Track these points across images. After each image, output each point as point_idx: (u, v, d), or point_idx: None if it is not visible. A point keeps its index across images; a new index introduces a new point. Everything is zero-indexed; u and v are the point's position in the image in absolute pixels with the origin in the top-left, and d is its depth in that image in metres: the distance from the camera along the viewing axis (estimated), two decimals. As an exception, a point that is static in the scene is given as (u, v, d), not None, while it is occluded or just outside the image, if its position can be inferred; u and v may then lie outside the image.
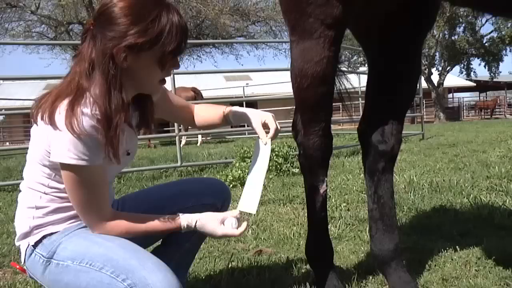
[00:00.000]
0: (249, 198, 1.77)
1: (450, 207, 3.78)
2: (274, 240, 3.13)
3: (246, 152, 6.27)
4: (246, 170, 5.48)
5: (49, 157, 1.55)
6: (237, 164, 5.81)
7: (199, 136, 13.68)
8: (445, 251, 2.66)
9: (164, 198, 1.95)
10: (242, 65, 28.61)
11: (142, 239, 1.74)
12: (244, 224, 1.74)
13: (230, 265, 2.63)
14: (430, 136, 11.81)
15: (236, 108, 1.94)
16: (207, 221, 1.72)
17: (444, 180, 4.90)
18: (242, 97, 17.05)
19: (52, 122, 1.49)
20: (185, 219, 1.71)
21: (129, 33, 1.49)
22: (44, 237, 1.64)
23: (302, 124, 2.06)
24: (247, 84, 22.18)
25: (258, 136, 1.85)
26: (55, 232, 1.64)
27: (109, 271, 1.52)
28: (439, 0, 2.09)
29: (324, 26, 1.84)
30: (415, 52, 2.12)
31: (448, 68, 32.80)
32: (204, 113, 2.02)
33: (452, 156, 7.12)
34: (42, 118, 1.52)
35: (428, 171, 5.74)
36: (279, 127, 1.82)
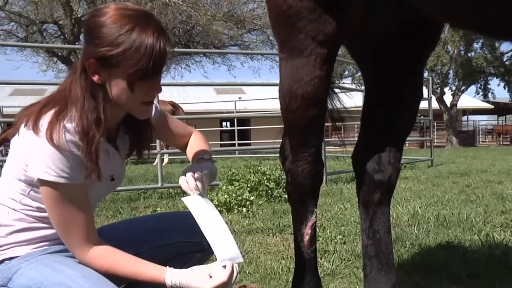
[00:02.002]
0: (225, 247, 1.73)
1: (458, 245, 3.79)
2: (260, 274, 3.14)
3: (234, 174, 6.28)
4: (234, 195, 5.50)
5: (26, 171, 1.59)
6: (224, 188, 5.81)
7: (165, 155, 13.50)
8: (451, 294, 2.66)
9: (148, 232, 1.97)
10: (235, 77, 28.76)
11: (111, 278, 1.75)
12: (235, 269, 1.70)
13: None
14: (440, 163, 11.87)
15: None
16: (193, 277, 1.67)
17: (452, 214, 4.93)
18: (233, 112, 17.15)
19: (34, 131, 1.56)
20: (170, 277, 1.67)
21: (99, 47, 1.57)
22: (2, 261, 1.66)
23: (290, 149, 2.09)
24: (239, 98, 22.36)
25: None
26: (16, 257, 1.66)
27: None
28: (439, 22, 2.13)
29: (316, 43, 1.88)
30: (415, 73, 2.16)
31: (463, 88, 33.09)
32: (189, 149, 2.07)
33: (464, 187, 7.16)
34: (25, 125, 1.59)
35: (435, 202, 5.77)
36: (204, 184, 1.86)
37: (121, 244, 1.92)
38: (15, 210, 1.67)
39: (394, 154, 2.17)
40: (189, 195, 1.81)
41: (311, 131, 2.03)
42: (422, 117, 18.54)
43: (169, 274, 1.68)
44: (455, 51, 30.93)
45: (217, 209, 5.17)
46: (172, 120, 2.08)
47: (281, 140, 2.34)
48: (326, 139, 8.90)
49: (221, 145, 16.75)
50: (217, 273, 1.66)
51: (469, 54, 32.61)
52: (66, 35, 23.93)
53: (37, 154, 1.55)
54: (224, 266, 1.69)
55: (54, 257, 1.70)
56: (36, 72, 51.98)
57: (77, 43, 22.72)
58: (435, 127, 32.58)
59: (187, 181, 1.81)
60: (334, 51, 1.96)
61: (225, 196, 5.50)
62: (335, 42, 1.93)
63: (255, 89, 31.82)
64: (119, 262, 1.68)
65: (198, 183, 1.83)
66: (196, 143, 2.08)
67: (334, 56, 1.97)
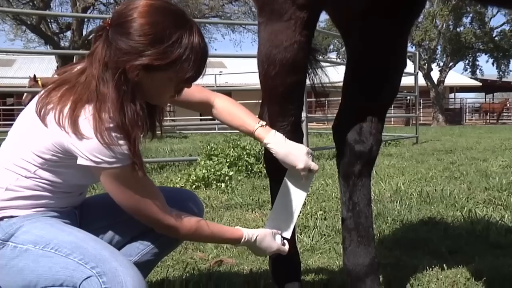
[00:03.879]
0: (284, 221, 2.08)
1: (440, 221, 3.87)
2: (238, 249, 3.17)
3: (213, 149, 6.29)
4: (212, 170, 5.52)
5: (60, 155, 1.67)
6: (202, 163, 5.82)
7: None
8: (431, 269, 2.73)
9: None
10: (215, 49, 28.71)
11: None
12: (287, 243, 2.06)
13: (184, 277, 2.66)
14: (425, 141, 12.02)
15: (271, 143, 1.97)
16: (265, 236, 2.00)
17: (436, 190, 5.02)
18: (213, 86, 17.07)
19: (76, 131, 1.59)
20: (247, 233, 1.95)
21: (145, 53, 1.59)
22: (1, 218, 1.71)
23: (268, 118, 2.09)
24: (220, 72, 22.15)
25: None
26: (16, 216, 1.72)
27: (77, 258, 1.62)
28: None
29: (296, 7, 1.87)
30: (400, 42, 2.18)
31: (451, 64, 33.29)
32: (226, 115, 2.09)
33: (448, 164, 7.28)
34: (59, 124, 1.61)
35: (418, 179, 5.86)
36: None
37: (96, 215, 1.97)
38: (26, 178, 1.71)
39: (376, 125, 2.18)
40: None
41: (290, 99, 2.03)
42: (408, 93, 18.65)
43: (245, 230, 1.96)
44: (444, 26, 31.04)
45: (195, 184, 5.17)
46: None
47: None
48: (309, 115, 8.92)
49: (201, 120, 16.64)
50: (278, 238, 2.05)
51: (458, 29, 32.73)
52: (35, 1, 23.47)
53: (88, 149, 1.60)
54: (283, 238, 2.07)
55: (57, 220, 1.78)
56: (3, 41, 50.90)
57: (48, 9, 22.28)
58: (421, 105, 32.85)
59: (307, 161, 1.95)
60: (315, 15, 1.95)
61: (204, 171, 5.52)
62: (315, 6, 1.92)
63: (237, 63, 31.66)
64: (203, 222, 1.88)
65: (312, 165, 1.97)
66: (231, 107, 2.09)
67: (315, 21, 1.97)
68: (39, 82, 11.96)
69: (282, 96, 2.02)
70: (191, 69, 1.65)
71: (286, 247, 2.07)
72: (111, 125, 1.60)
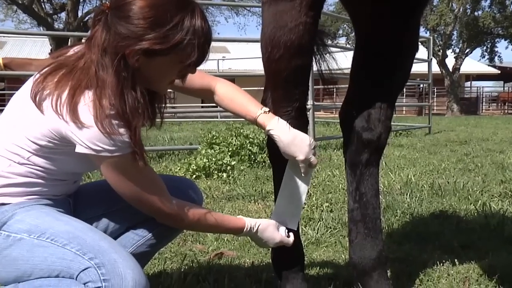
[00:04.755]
0: (288, 212, 2.11)
1: (452, 214, 3.88)
2: (239, 242, 3.19)
3: (214, 137, 6.30)
4: (214, 159, 5.53)
5: (57, 141, 1.67)
6: (203, 152, 5.83)
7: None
8: (442, 264, 2.74)
9: None
10: (218, 33, 28.58)
11: None
12: (292, 235, 2.09)
13: (182, 269, 2.68)
14: (438, 131, 12.01)
15: (275, 130, 1.97)
16: (268, 226, 2.03)
17: (448, 182, 5.03)
18: (216, 72, 17.05)
19: (76, 119, 1.60)
20: (249, 222, 1.99)
21: (146, 37, 1.59)
22: None
23: (272, 103, 2.10)
24: (223, 57, 22.12)
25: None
26: (8, 204, 1.73)
27: (74, 248, 1.63)
28: None
29: (301, -14, 1.87)
30: (413, 23, 2.17)
31: (467, 50, 33.12)
32: (228, 101, 2.10)
33: (462, 155, 7.29)
34: (57, 111, 1.61)
35: (430, 170, 5.88)
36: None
37: (90, 203, 1.99)
38: (19, 164, 1.72)
39: (385, 112, 2.18)
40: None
41: (295, 83, 2.03)
42: (421, 81, 18.57)
43: (248, 220, 2.00)
44: (461, 10, 30.80)
45: (195, 174, 5.22)
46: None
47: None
48: (315, 103, 8.92)
49: (202, 107, 16.67)
50: (282, 230, 2.08)
51: (476, 13, 32.47)
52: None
53: (88, 137, 1.61)
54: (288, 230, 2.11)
55: (52, 208, 1.79)
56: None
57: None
58: (435, 93, 32.72)
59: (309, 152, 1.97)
60: (322, -5, 1.95)
61: (204, 160, 5.54)
62: (322, -15, 1.92)
63: (241, 48, 31.60)
64: (205, 211, 1.92)
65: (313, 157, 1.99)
66: (233, 93, 2.10)
67: (322, 1, 1.97)
68: (1, 62, 11.59)
69: (286, 80, 2.01)
70: (193, 54, 1.65)
71: (291, 239, 2.10)
72: (112, 112, 1.60)
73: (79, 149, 1.64)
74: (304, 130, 2.10)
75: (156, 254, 2.81)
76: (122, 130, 1.62)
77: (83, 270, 1.60)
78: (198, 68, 1.80)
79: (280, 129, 1.94)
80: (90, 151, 1.62)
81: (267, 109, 2.00)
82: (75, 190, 2.00)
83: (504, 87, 44.20)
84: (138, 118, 1.66)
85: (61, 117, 1.61)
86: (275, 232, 2.04)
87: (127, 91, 1.63)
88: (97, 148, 1.62)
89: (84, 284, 1.61)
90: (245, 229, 1.96)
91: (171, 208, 1.81)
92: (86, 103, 1.60)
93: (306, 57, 2.02)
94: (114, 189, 1.76)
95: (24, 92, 1.74)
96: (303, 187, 2.07)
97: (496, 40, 34.23)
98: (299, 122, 2.08)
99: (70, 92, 1.62)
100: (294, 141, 1.93)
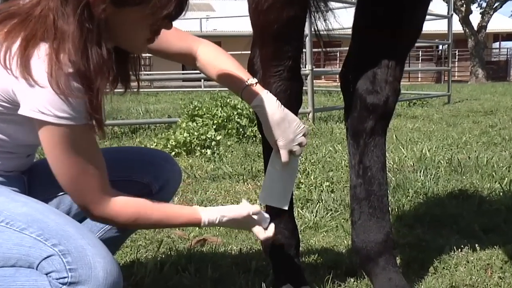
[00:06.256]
0: (277, 191, 2.06)
1: (473, 194, 3.91)
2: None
3: (197, 108, 6.30)
4: (196, 133, 5.53)
5: (5, 104, 1.64)
6: (184, 125, 5.82)
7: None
8: (460, 250, 2.75)
9: None
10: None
11: None
12: (272, 226, 1.97)
13: (159, 258, 2.70)
14: (459, 100, 12.05)
15: (260, 106, 1.95)
16: (227, 210, 1.90)
17: (469, 158, 5.06)
18: (199, 33, 16.98)
19: (28, 74, 1.56)
20: (206, 216, 1.86)
21: None
22: None
23: (261, 62, 2.09)
24: (207, 16, 22.00)
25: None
26: None
27: (34, 233, 1.62)
28: None
29: None
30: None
31: (496, 4, 32.86)
32: (211, 68, 2.07)
33: (487, 127, 7.32)
34: (5, 65, 1.58)
35: (449, 144, 5.91)
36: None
37: (48, 181, 1.99)
38: None
39: (393, 71, 2.17)
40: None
41: (287, 37, 2.02)
42: (439, 41, 18.46)
43: (204, 212, 1.87)
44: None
45: (175, 150, 5.25)
46: (172, 35, 2.02)
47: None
48: (315, 69, 8.90)
49: (183, 74, 16.58)
50: (260, 216, 1.94)
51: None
52: None
53: (36, 94, 1.57)
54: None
55: (5, 187, 1.78)
56: None
57: None
58: (456, 57, 32.65)
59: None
60: None
61: (185, 135, 5.53)
62: None
63: (227, 5, 31.41)
64: (148, 207, 1.82)
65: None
66: (216, 56, 2.07)
67: None
68: None
69: (276, 34, 2.01)
70: (169, 5, 1.62)
71: (269, 233, 1.96)
72: (70, 70, 1.58)
73: (23, 110, 1.60)
74: (299, 91, 2.10)
75: (128, 242, 2.85)
76: (80, 93, 1.59)
77: (45, 258, 1.59)
78: (179, 27, 1.79)
79: (267, 106, 1.92)
80: (36, 114, 1.58)
81: (254, 81, 1.97)
82: (29, 167, 1.99)
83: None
84: (102, 79, 1.64)
85: (10, 72, 1.58)
86: (248, 224, 1.94)
87: (91, 45, 1.60)
88: (45, 111, 1.58)
89: (47, 274, 1.60)
90: (202, 224, 1.87)
91: (106, 203, 1.75)
92: (41, 57, 1.57)
93: (299, 6, 2.01)
94: (51, 166, 1.70)
95: None
96: (294, 164, 2.05)
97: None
98: (293, 85, 2.08)
99: (22, 43, 1.59)
100: (281, 124, 1.91)
